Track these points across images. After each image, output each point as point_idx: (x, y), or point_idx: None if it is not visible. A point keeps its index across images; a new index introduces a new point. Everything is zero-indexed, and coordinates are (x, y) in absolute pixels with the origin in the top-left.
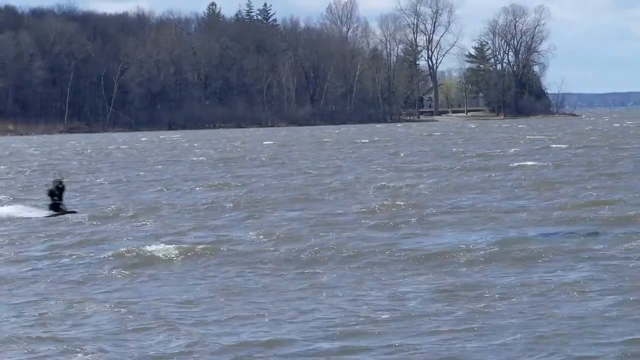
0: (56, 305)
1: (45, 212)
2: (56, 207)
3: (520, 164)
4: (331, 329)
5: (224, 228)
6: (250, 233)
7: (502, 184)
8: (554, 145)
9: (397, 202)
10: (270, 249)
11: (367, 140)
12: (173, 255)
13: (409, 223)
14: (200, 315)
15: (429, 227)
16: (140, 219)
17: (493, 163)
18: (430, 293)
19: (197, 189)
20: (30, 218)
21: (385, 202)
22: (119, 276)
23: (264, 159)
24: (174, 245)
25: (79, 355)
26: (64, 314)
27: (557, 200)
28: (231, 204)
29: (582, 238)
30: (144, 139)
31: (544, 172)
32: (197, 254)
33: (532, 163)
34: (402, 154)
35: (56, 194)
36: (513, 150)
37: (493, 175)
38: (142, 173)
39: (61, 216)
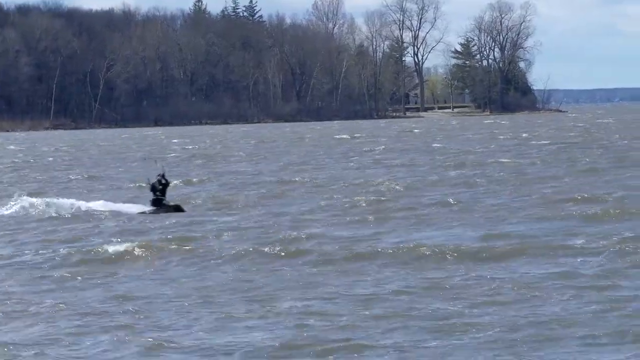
0: (8, 305)
1: (143, 208)
2: (159, 202)
3: (499, 160)
4: (295, 328)
5: (194, 225)
6: (220, 230)
7: (481, 180)
8: (534, 142)
9: (373, 199)
10: (240, 245)
11: (347, 137)
12: (138, 253)
13: (384, 220)
14: (160, 316)
15: (406, 223)
16: (110, 216)
17: (471, 159)
18: (410, 289)
19: (172, 185)
20: (129, 214)
21: (360, 199)
22: (79, 275)
23: (243, 154)
24: (139, 243)
25: None
26: (14, 315)
27: (536, 196)
28: (204, 201)
29: (563, 233)
30: (124, 135)
31: (523, 169)
32: (164, 252)
33: (510, 160)
34: (381, 148)
35: (159, 189)
36: (492, 146)
37: (472, 171)
38: (121, 169)
39: (164, 213)
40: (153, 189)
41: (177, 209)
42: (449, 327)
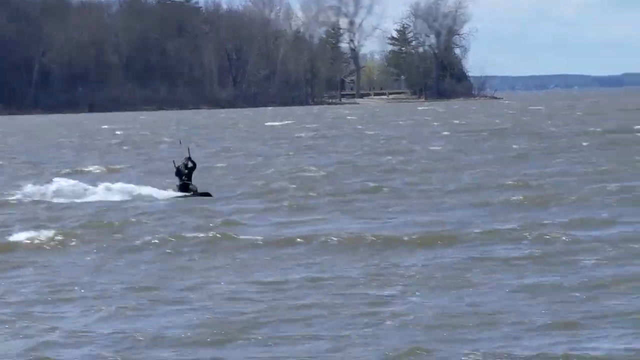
0: None
1: (174, 193)
2: (185, 187)
3: (431, 146)
4: (226, 315)
5: (118, 210)
6: (148, 215)
7: (412, 166)
8: (466, 129)
9: (303, 185)
10: (167, 231)
11: (280, 123)
12: (58, 241)
13: (315, 206)
14: (85, 303)
15: (338, 209)
16: (25, 205)
17: (403, 146)
18: (343, 276)
19: (96, 172)
20: (158, 199)
21: (291, 185)
22: None
23: (168, 140)
24: (52, 232)
25: None
26: None
27: (467, 182)
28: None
29: (493, 220)
30: (57, 121)
31: (454, 155)
32: (85, 238)
33: (441, 147)
34: (313, 134)
35: (184, 173)
36: (425, 133)
37: (403, 158)
38: (51, 155)
39: (192, 197)
40: (178, 173)
41: (206, 194)
42: (381, 313)
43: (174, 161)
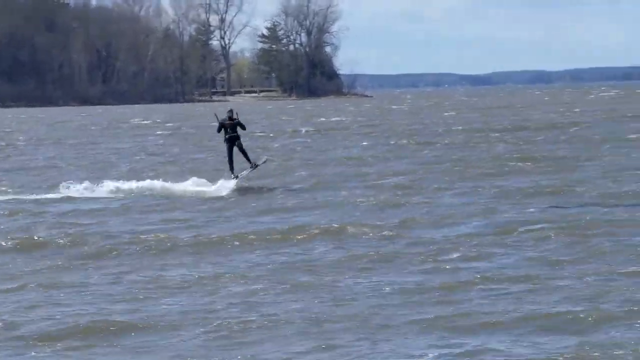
0: None
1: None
2: (234, 139)
3: (293, 144)
4: (68, 328)
5: None
6: None
7: (268, 165)
8: (327, 126)
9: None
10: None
11: (135, 121)
12: None
13: (174, 206)
14: None
15: (196, 208)
16: None
17: (262, 143)
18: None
19: None
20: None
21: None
22: None
23: (33, 139)
24: None
25: None
26: None
27: (326, 179)
28: None
29: (356, 217)
30: None
31: (312, 153)
32: None
33: (303, 145)
34: (170, 132)
35: (228, 126)
36: (270, 131)
37: (259, 154)
38: None
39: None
40: (221, 127)
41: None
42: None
43: (215, 114)
